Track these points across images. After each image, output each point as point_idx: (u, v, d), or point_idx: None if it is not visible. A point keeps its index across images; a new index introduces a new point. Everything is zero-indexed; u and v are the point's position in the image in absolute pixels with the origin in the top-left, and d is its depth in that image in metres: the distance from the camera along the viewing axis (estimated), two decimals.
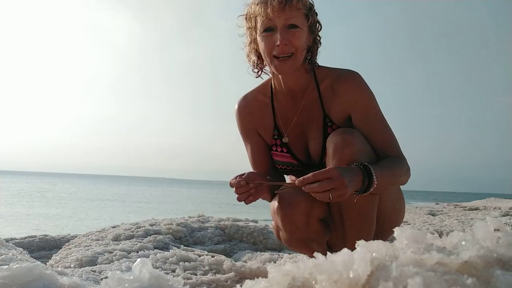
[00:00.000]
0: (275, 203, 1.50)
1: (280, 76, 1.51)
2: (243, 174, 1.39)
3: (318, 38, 1.51)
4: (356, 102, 1.46)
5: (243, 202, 1.40)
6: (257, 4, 1.42)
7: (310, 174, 1.23)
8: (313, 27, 1.46)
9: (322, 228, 1.53)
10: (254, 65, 1.57)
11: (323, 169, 1.26)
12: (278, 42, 1.39)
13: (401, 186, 1.60)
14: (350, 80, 1.48)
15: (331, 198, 1.21)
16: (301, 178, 1.24)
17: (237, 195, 1.38)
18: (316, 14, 1.48)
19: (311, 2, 1.45)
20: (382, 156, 1.44)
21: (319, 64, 1.55)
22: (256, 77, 1.60)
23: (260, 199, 1.49)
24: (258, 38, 1.46)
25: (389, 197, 1.50)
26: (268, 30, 1.41)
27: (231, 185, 1.38)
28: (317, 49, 1.52)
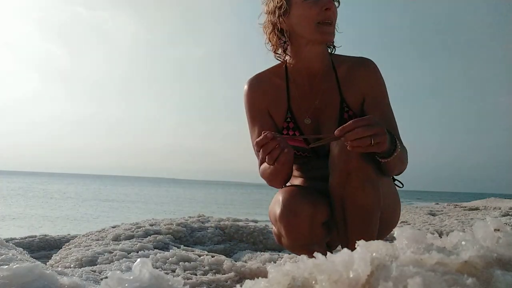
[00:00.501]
0: (276, 210, 1.42)
1: (307, 50, 1.50)
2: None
3: None
4: (372, 86, 1.51)
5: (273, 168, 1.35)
6: None
7: (350, 122, 1.17)
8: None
9: (324, 232, 1.50)
10: (279, 46, 1.55)
11: (362, 117, 1.22)
12: (328, 6, 1.41)
13: (401, 187, 1.60)
14: (368, 65, 1.53)
15: (372, 144, 1.16)
16: (340, 127, 1.18)
17: (266, 157, 1.24)
18: None
19: None
20: None
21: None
22: (283, 56, 1.58)
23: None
24: (297, 10, 1.45)
25: (388, 198, 1.49)
26: None
27: (258, 144, 1.24)
28: None
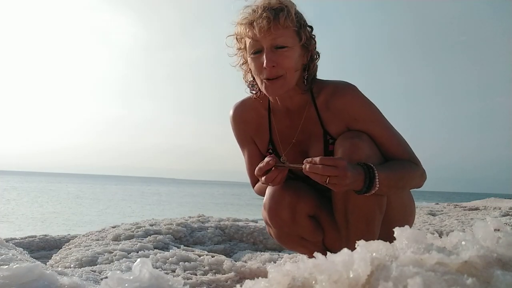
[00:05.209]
0: (264, 200, 1.54)
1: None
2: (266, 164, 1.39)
3: (315, 56, 1.44)
4: (355, 118, 1.43)
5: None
6: (243, 24, 1.36)
7: (317, 158, 1.24)
8: (307, 44, 1.40)
9: (312, 226, 1.54)
10: (250, 86, 1.54)
11: (332, 157, 1.30)
12: (266, 64, 1.34)
13: None
14: (345, 96, 1.43)
15: (327, 182, 1.23)
16: (309, 158, 1.25)
17: (270, 182, 1.39)
18: (311, 29, 1.42)
19: (302, 18, 1.39)
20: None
21: (317, 76, 1.50)
22: (255, 98, 1.57)
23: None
24: (249, 60, 1.42)
25: (399, 202, 1.49)
26: (257, 52, 1.37)
27: (261, 170, 1.37)
28: (314, 66, 1.45)
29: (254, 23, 1.32)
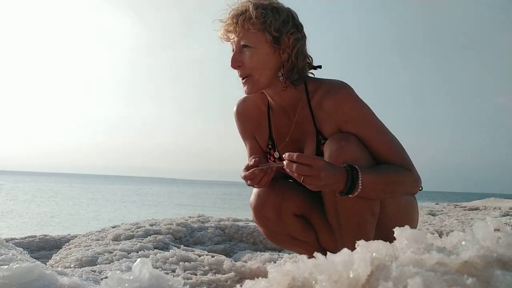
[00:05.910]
0: (250, 199, 1.58)
1: (265, 91, 1.50)
2: (249, 166, 1.42)
3: (292, 53, 1.39)
4: (345, 120, 1.41)
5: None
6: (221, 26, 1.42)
7: (296, 154, 1.26)
8: (275, 43, 1.37)
9: (300, 225, 1.56)
10: None
11: (311, 156, 1.33)
12: (231, 64, 1.40)
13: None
14: (335, 96, 1.41)
15: (301, 181, 1.26)
16: (286, 154, 1.28)
17: (255, 185, 1.42)
18: (293, 27, 1.38)
19: (272, 17, 1.35)
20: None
21: (314, 75, 1.50)
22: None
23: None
24: None
25: (395, 207, 1.47)
26: (233, 50, 1.42)
27: (246, 178, 1.41)
28: (292, 64, 1.40)
29: (224, 24, 1.41)
